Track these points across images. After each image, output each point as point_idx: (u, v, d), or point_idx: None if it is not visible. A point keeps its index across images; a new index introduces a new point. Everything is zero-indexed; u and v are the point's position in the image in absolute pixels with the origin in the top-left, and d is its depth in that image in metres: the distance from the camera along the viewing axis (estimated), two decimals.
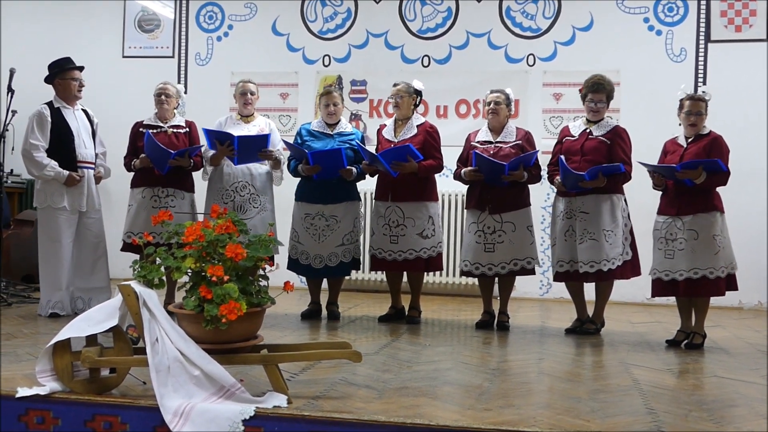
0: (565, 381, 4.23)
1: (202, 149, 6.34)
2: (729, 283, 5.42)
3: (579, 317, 5.97)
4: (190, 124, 6.50)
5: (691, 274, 5.35)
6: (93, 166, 6.20)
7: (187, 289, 3.62)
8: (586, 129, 5.86)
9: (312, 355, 3.79)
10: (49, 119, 5.98)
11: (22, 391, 3.49)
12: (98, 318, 3.55)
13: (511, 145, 5.98)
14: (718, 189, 5.44)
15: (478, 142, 6.08)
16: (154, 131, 6.29)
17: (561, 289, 6.61)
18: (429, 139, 6.13)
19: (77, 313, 4.81)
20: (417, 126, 6.18)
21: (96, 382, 3.59)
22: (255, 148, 6.08)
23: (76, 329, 3.53)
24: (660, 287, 5.53)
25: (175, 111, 6.52)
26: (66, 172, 5.96)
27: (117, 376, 3.61)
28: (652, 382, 4.21)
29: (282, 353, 3.71)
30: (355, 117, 8.42)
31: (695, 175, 5.27)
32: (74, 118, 6.13)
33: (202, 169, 6.41)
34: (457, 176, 6.14)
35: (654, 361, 4.89)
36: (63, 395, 3.51)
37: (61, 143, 6.00)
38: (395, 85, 6.23)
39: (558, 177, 5.80)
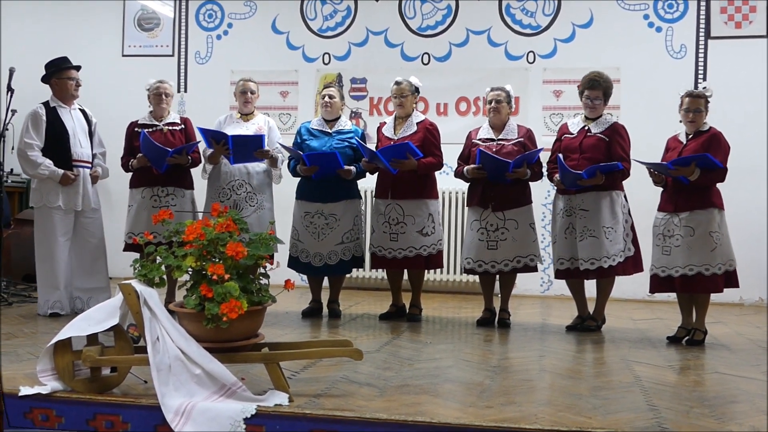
0: (567, 378, 4.23)
1: (202, 148, 6.36)
2: (729, 280, 5.41)
3: (580, 314, 5.98)
4: (185, 121, 6.51)
5: (686, 271, 5.35)
6: (89, 165, 6.20)
7: (187, 287, 3.62)
8: (585, 126, 5.86)
9: (313, 353, 3.79)
10: (44, 119, 5.99)
11: (25, 390, 3.50)
12: (99, 317, 3.56)
13: (513, 142, 5.99)
14: (718, 185, 5.44)
15: (479, 139, 6.08)
16: (150, 130, 6.29)
17: (562, 287, 6.61)
18: (429, 136, 6.13)
19: (77, 313, 4.82)
20: (417, 123, 6.19)
21: (97, 381, 3.60)
22: (251, 147, 6.09)
23: (76, 329, 3.54)
24: (657, 283, 5.55)
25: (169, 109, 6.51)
26: (60, 171, 5.96)
27: (118, 375, 3.62)
28: (653, 378, 4.22)
29: (283, 351, 3.71)
30: (355, 115, 8.42)
31: (688, 172, 5.28)
32: (70, 117, 6.13)
33: (201, 166, 6.43)
34: (458, 174, 6.14)
35: (655, 357, 4.89)
36: (64, 394, 3.52)
37: (57, 142, 6.00)
38: (398, 83, 6.21)
39: (557, 175, 5.80)
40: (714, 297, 5.56)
